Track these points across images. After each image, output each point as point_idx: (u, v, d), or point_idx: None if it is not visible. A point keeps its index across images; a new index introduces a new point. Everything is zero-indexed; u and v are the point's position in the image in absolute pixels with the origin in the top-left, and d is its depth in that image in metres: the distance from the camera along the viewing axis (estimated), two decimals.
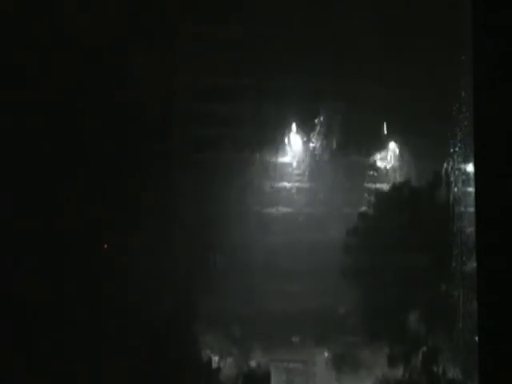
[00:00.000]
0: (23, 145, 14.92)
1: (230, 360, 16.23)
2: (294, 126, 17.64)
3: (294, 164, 17.78)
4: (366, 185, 17.61)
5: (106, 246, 15.94)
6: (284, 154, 17.79)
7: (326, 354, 16.41)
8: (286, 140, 17.76)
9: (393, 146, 18.19)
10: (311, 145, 17.70)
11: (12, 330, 14.08)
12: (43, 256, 14.50)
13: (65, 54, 15.13)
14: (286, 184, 17.71)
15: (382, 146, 18.19)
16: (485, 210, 3.14)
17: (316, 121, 17.41)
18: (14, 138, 14.85)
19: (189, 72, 17.04)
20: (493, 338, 3.11)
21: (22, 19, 15.12)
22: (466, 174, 13.56)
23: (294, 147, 17.86)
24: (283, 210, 17.38)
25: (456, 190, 13.87)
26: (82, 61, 15.28)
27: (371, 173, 18.00)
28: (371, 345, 15.20)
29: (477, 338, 3.24)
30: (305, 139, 17.75)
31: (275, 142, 17.59)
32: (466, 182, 13.53)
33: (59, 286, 14.44)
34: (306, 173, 17.76)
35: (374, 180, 17.75)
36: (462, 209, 13.05)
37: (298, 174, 17.75)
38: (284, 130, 17.64)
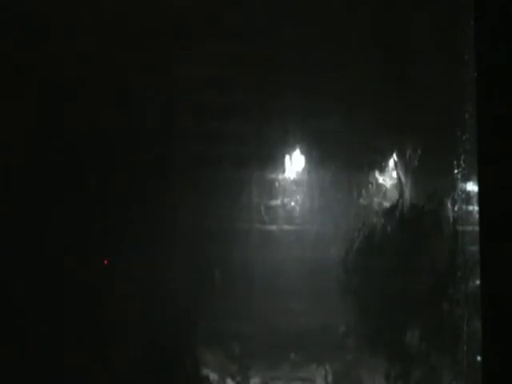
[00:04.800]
0: (20, 146, 14.96)
1: (229, 378, 16.17)
2: (294, 144, 17.69)
3: (295, 182, 17.81)
4: (366, 203, 17.61)
5: (106, 262, 15.95)
6: (285, 171, 17.84)
7: (327, 373, 16.36)
8: (287, 158, 17.81)
9: (394, 165, 18.24)
10: (312, 163, 17.75)
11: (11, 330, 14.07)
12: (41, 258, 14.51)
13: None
14: (287, 201, 17.73)
15: (383, 164, 18.24)
16: (488, 227, 3.15)
17: (317, 138, 17.47)
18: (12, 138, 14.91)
19: (188, 88, 17.12)
20: (497, 357, 3.11)
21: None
22: (468, 192, 13.59)
23: (295, 165, 17.89)
24: (284, 227, 17.40)
25: (457, 208, 13.88)
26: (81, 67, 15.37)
27: (372, 191, 18.03)
28: (372, 365, 15.14)
29: (479, 358, 3.24)
30: (306, 157, 17.80)
31: (276, 159, 17.65)
32: (468, 201, 13.57)
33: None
34: (307, 191, 17.79)
35: (376, 199, 17.76)
36: (465, 227, 13.04)
37: (299, 192, 17.79)
38: (285, 147, 17.70)
